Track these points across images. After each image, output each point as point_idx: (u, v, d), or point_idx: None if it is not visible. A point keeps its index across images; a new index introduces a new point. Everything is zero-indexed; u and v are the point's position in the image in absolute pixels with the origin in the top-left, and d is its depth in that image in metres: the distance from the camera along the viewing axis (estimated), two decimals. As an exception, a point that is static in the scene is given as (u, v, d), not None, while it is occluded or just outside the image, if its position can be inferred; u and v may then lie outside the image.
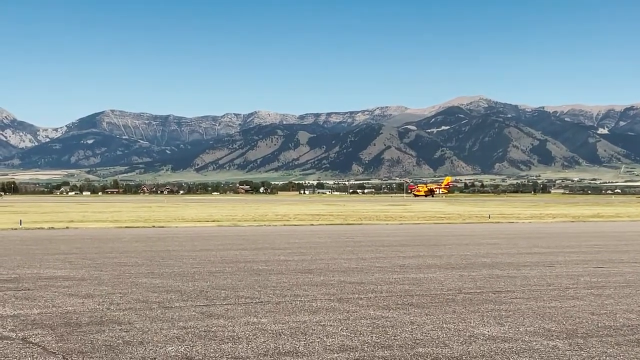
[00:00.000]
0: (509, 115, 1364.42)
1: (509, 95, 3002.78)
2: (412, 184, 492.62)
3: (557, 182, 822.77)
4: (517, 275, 25.75)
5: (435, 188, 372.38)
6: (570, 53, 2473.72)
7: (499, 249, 38.01)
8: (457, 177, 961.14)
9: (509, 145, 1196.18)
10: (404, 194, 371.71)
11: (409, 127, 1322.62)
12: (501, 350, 13.59)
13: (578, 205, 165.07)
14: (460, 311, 17.77)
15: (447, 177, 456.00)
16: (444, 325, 15.90)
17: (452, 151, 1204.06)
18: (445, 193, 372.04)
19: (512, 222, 78.20)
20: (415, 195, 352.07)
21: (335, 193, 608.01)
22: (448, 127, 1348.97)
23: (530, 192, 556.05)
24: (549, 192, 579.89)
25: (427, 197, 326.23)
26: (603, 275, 26.00)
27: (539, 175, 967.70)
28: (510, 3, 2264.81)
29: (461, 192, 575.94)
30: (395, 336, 14.68)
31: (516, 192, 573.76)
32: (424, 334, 14.87)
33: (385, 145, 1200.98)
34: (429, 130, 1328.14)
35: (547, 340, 14.39)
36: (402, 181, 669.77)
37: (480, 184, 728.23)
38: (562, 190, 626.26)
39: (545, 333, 15.13)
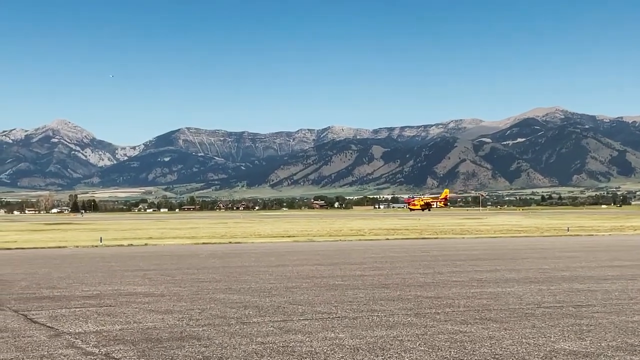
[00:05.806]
0: (587, 126, 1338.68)
1: (586, 106, 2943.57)
2: (409, 197, 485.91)
3: (638, 193, 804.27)
4: (598, 289, 25.24)
5: (432, 201, 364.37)
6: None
7: (578, 262, 37.34)
8: (534, 190, 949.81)
9: (586, 156, 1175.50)
10: (480, 208, 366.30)
11: (484, 139, 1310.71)
12: (583, 365, 13.36)
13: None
14: (540, 326, 17.52)
15: (446, 189, 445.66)
16: (524, 340, 15.69)
17: (528, 163, 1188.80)
18: (442, 207, 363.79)
19: (592, 235, 76.73)
20: (411, 210, 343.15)
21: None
22: (524, 139, 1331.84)
23: (610, 204, 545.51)
24: (630, 204, 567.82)
25: (424, 211, 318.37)
26: (688, 289, 25.35)
27: (619, 187, 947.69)
28: (586, 12, 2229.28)
29: (538, 205, 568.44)
30: (474, 351, 14.55)
31: (595, 204, 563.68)
32: (503, 349, 14.70)
33: (460, 158, 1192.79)
34: (505, 143, 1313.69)
35: (630, 356, 14.09)
36: (477, 194, 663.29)
37: (558, 196, 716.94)
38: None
39: (629, 348, 14.80)
